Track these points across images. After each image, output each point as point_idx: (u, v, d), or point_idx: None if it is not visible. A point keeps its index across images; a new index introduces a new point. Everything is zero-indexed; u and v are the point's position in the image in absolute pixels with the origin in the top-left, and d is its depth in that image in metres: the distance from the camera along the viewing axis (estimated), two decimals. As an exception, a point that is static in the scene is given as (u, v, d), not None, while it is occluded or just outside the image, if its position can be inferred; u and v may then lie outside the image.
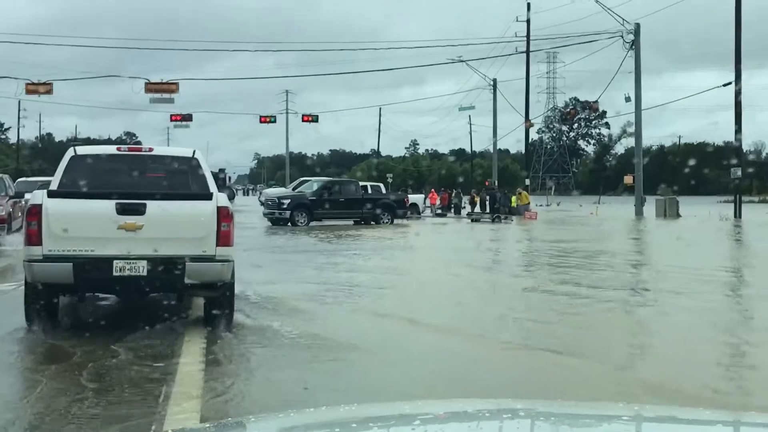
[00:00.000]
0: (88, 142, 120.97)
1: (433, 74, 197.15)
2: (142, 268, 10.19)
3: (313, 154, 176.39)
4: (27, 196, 33.24)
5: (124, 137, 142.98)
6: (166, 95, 51.53)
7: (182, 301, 12.04)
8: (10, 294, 13.68)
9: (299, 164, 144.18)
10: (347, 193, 42.06)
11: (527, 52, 66.44)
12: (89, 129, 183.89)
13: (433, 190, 65.54)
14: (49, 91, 50.09)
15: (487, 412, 2.31)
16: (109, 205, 10.25)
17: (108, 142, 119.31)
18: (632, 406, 2.64)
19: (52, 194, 10.42)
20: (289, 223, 40.14)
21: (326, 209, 40.92)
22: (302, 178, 54.05)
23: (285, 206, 40.42)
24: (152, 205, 10.35)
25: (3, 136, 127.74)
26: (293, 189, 50.64)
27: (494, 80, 74.11)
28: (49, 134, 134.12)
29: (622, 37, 52.27)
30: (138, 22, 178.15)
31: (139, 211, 10.28)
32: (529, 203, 53.16)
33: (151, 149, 12.11)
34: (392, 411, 2.45)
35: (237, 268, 11.35)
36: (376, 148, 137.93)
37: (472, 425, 2.14)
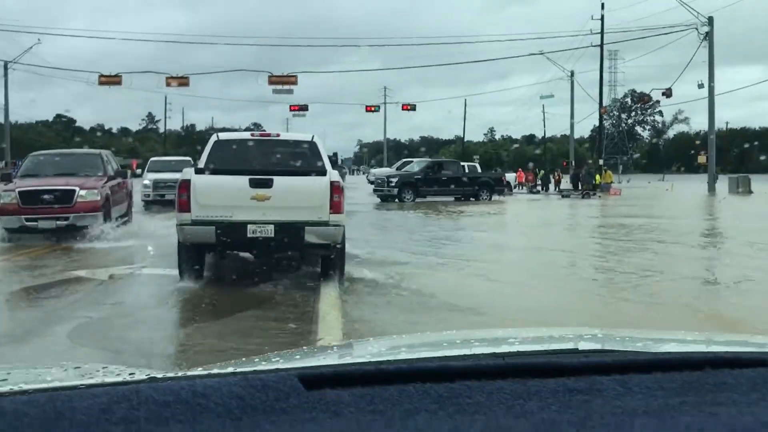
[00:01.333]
0: (223, 130, 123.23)
1: (514, 68, 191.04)
2: (270, 231, 10.57)
3: (406, 140, 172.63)
4: (147, 179, 30.35)
5: (251, 126, 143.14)
6: (286, 87, 48.54)
7: (303, 259, 12.48)
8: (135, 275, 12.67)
9: (395, 149, 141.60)
10: (450, 172, 38.59)
11: (601, 45, 61.45)
12: (224, 120, 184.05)
13: (520, 169, 61.07)
14: (184, 84, 47.50)
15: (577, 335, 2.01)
16: (243, 180, 10.66)
17: (238, 130, 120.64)
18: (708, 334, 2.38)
19: (198, 171, 10.96)
20: (397, 200, 36.72)
21: (430, 187, 37.63)
22: (404, 160, 50.63)
23: (393, 184, 37.16)
24: (278, 180, 10.73)
25: (154, 126, 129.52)
26: (396, 169, 47.60)
27: (572, 72, 69.78)
28: (192, 125, 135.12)
29: (696, 29, 47.39)
30: (267, 27, 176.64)
31: (268, 184, 10.66)
32: (612, 181, 48.57)
33: (278, 135, 12.37)
34: (490, 335, 2.37)
35: (353, 237, 12.39)
36: (459, 135, 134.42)
37: (561, 343, 1.89)
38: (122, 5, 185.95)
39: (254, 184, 10.61)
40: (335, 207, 10.71)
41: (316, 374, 1.27)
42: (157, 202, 29.19)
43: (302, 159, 11.71)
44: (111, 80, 47.43)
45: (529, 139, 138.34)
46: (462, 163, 41.18)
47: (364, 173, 56.76)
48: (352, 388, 1.20)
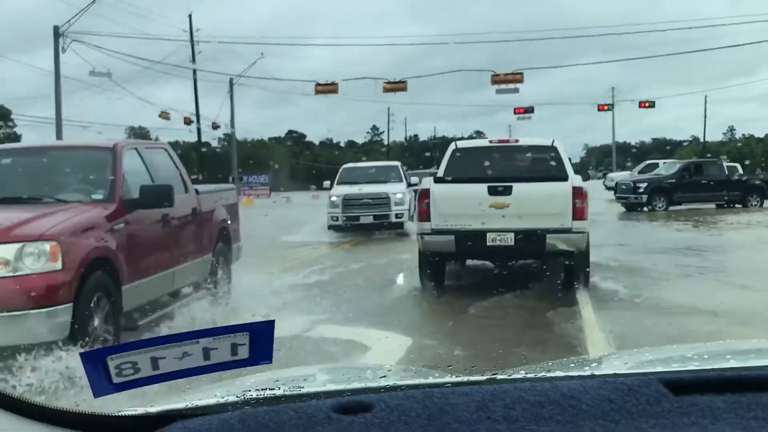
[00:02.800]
0: (444, 140, 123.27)
1: (763, 60, 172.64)
2: (510, 239, 10.12)
3: (636, 142, 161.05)
4: (335, 194, 21.81)
5: (474, 135, 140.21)
6: (511, 86, 43.24)
7: (546, 266, 11.46)
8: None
9: (623, 152, 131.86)
10: (710, 175, 31.54)
11: None
12: (446, 129, 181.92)
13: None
14: (401, 89, 43.68)
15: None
16: (482, 188, 10.30)
17: (457, 139, 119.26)
18: None
19: (438, 180, 10.74)
20: (646, 208, 30.46)
21: (687, 192, 30.84)
22: (648, 162, 43.80)
23: (642, 190, 30.96)
24: (517, 187, 10.26)
25: (378, 138, 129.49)
26: (639, 172, 41.09)
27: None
28: (416, 135, 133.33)
29: None
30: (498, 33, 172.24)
31: (507, 192, 10.23)
32: None
33: (516, 140, 11.90)
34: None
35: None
36: (694, 134, 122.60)
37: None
38: (359, 19, 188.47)
39: (493, 191, 10.30)
40: (578, 213, 10.22)
41: (678, 379, 1.24)
42: (347, 228, 21.83)
43: (542, 164, 11.25)
44: (327, 89, 44.54)
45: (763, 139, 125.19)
46: (725, 164, 33.90)
47: (605, 177, 49.69)
48: (722, 395, 1.17)
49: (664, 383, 1.20)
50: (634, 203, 31.25)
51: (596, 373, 1.47)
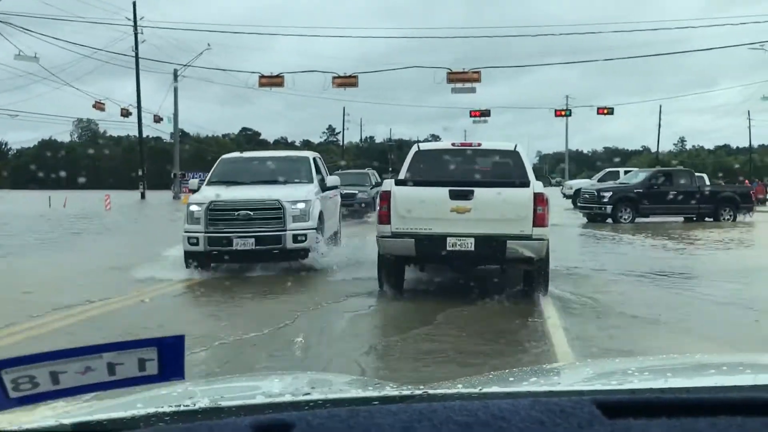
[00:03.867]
0: (401, 142, 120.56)
1: (720, 75, 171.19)
2: (470, 244, 9.91)
3: (588, 151, 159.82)
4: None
5: (429, 138, 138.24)
6: (468, 85, 40.15)
7: (505, 273, 11.08)
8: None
9: (576, 161, 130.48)
10: (680, 185, 28.69)
11: None
12: (402, 132, 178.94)
13: (759, 181, 49.59)
14: (352, 84, 40.35)
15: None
16: (443, 192, 10.09)
17: (413, 142, 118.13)
18: None
19: (399, 182, 10.45)
20: (610, 219, 27.60)
21: (655, 203, 28.01)
22: (608, 169, 41.05)
23: (606, 200, 28.04)
24: (479, 191, 10.07)
25: (334, 139, 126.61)
26: (599, 180, 38.40)
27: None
28: (372, 137, 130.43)
29: None
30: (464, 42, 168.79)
31: (468, 196, 10.02)
32: None
33: (479, 144, 11.40)
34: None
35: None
36: (646, 145, 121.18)
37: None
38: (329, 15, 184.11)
39: (454, 195, 10.07)
40: (539, 220, 9.94)
41: (613, 401, 1.20)
42: (216, 258, 14.32)
43: (504, 169, 11.09)
44: (272, 81, 40.97)
45: (723, 149, 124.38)
46: (697, 174, 31.04)
47: (563, 185, 46.61)
48: (657, 418, 1.12)
49: (598, 405, 1.15)
50: (597, 214, 28.30)
51: (532, 389, 1.47)
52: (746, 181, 47.98)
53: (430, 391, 1.33)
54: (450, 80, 40.27)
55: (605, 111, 60.43)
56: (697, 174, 33.65)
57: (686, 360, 2.24)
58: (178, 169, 60.25)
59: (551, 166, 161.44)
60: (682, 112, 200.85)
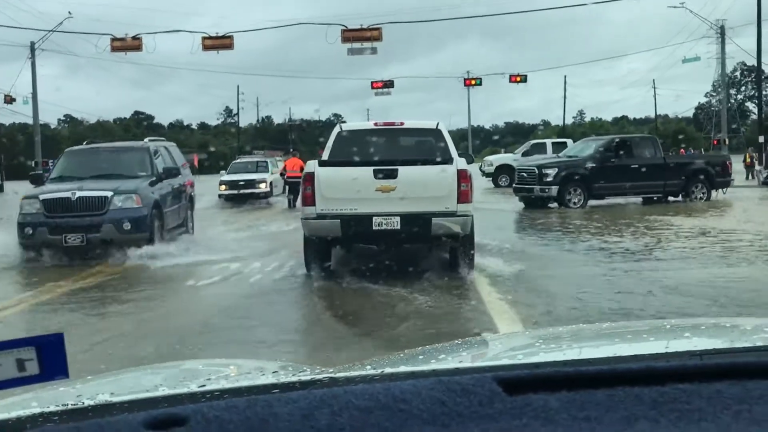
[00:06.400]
0: (302, 122, 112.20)
1: (630, 47, 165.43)
2: (396, 223, 9.78)
3: (490, 126, 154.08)
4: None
5: (333, 119, 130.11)
6: (366, 44, 32.35)
7: (431, 251, 11.27)
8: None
9: (477, 135, 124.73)
10: (641, 157, 21.66)
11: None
12: (301, 112, 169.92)
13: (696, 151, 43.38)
14: (227, 46, 31.96)
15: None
16: (368, 171, 9.90)
17: (318, 123, 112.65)
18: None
19: (322, 164, 10.20)
20: (555, 203, 20.56)
21: (611, 181, 20.97)
22: (533, 141, 34.10)
23: (550, 178, 20.74)
24: (403, 170, 9.90)
25: (232, 121, 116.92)
26: (523, 154, 31.71)
27: (722, 26, 51.65)
28: (269, 117, 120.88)
29: None
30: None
31: (392, 175, 9.86)
32: None
33: (402, 123, 11.16)
34: (653, 326, 2.12)
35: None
36: (545, 119, 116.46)
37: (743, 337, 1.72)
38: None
39: (379, 175, 9.86)
40: (463, 196, 9.83)
41: (514, 377, 1.17)
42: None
43: (427, 147, 10.89)
44: (127, 45, 32.26)
45: (622, 120, 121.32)
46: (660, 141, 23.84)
47: (482, 162, 38.65)
48: (557, 392, 1.10)
49: (499, 381, 1.12)
50: (538, 197, 21.12)
51: (437, 367, 1.41)
52: (682, 150, 41.89)
53: (334, 375, 1.30)
54: (346, 39, 32.40)
55: (518, 79, 53.77)
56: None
57: (593, 329, 2.19)
58: (40, 156, 50.67)
59: (455, 143, 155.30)
60: (587, 86, 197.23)
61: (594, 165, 21.15)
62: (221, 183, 28.90)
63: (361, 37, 32.24)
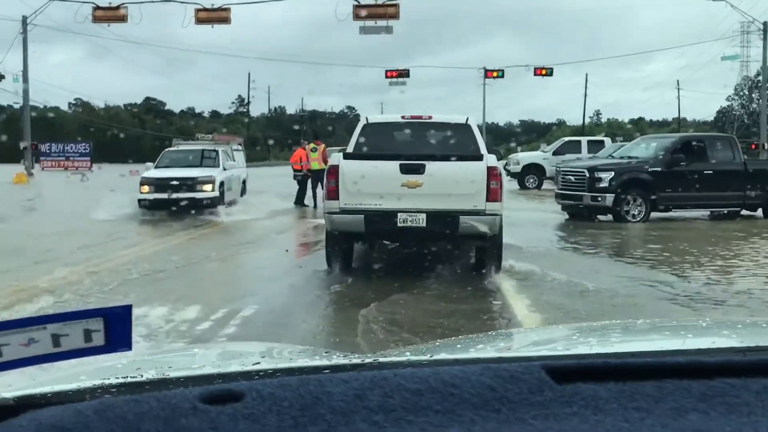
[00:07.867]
0: (313, 115, 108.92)
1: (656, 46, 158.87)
2: (421, 220, 9.35)
3: (504, 124, 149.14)
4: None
5: (345, 110, 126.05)
6: (381, 23, 27.99)
7: (457, 249, 11.03)
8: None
9: (493, 132, 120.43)
10: (718, 160, 17.14)
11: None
12: (314, 103, 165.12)
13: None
14: (224, 20, 27.71)
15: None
16: (394, 166, 9.48)
17: (331, 114, 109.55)
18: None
19: (347, 156, 9.82)
20: (610, 215, 16.17)
21: (679, 190, 16.41)
22: (567, 138, 29.64)
23: (605, 184, 16.23)
24: (430, 166, 9.46)
25: (244, 110, 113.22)
26: (553, 154, 27.38)
27: (765, 22, 47.31)
28: (282, 107, 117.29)
29: None
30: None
31: (419, 170, 9.40)
32: None
33: (430, 117, 10.56)
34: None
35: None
36: (561, 118, 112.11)
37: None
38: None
39: (405, 170, 9.41)
40: (492, 194, 9.36)
41: (562, 366, 1.16)
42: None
43: (456, 142, 10.26)
44: (110, 15, 28.10)
45: (637, 123, 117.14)
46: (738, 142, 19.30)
47: (507, 161, 33.59)
48: (605, 383, 1.09)
49: (547, 370, 1.12)
50: (589, 207, 16.72)
51: (481, 356, 1.42)
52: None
53: (381, 359, 1.30)
54: (358, 17, 28.02)
55: (543, 72, 49.32)
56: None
57: (629, 325, 2.17)
58: (29, 140, 46.64)
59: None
60: (605, 86, 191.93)
61: (659, 169, 16.66)
62: (143, 182, 18.76)
63: (375, 14, 27.86)
